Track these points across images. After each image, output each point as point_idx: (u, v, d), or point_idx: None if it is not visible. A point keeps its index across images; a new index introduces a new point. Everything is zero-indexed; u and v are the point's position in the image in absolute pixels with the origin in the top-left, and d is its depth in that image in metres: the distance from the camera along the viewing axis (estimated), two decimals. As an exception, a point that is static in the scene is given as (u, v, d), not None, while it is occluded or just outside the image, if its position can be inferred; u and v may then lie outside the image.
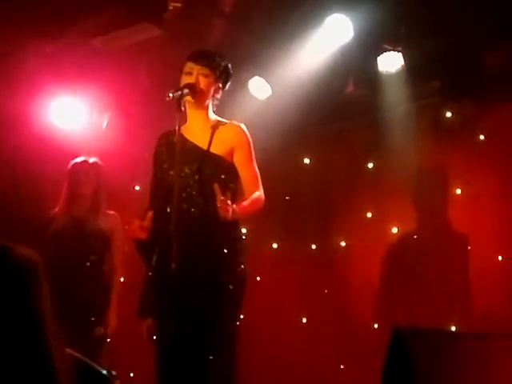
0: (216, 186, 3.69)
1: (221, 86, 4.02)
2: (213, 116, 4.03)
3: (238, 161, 3.94)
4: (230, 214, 3.68)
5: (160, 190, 3.94)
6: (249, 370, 5.78)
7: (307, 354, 6.40)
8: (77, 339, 4.85)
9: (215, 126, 3.96)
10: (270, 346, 6.51)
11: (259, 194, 3.94)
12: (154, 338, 4.02)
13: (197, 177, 3.84)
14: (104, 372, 2.16)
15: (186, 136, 3.95)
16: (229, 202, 3.68)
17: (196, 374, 3.72)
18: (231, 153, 3.94)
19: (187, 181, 3.84)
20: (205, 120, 3.98)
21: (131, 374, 6.52)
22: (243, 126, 4.00)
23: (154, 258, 3.87)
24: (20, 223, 5.79)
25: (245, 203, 3.87)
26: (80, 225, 5.20)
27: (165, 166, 3.95)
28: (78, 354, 2.08)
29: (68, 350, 1.96)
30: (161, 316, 3.88)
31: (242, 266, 3.89)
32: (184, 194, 3.81)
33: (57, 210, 5.26)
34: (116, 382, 2.15)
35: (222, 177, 3.88)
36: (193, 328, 3.74)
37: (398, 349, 2.55)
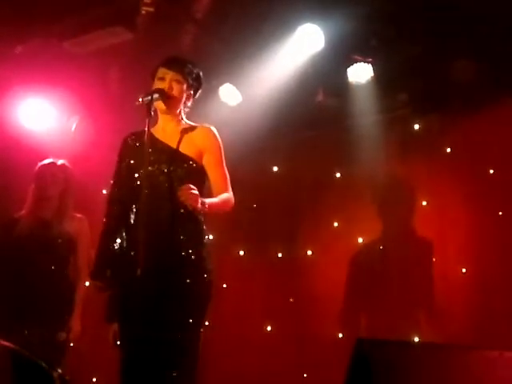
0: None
1: (192, 93, 4.02)
2: (184, 121, 4.03)
3: (208, 163, 3.93)
4: (199, 204, 3.67)
5: (125, 189, 3.91)
6: (212, 376, 5.79)
7: (271, 362, 6.41)
8: (40, 343, 4.88)
9: (185, 129, 3.96)
10: (234, 352, 6.51)
11: (229, 195, 3.93)
12: (118, 343, 3.99)
13: (166, 177, 3.83)
14: (43, 365, 2.13)
15: (157, 136, 3.94)
16: (195, 192, 3.67)
17: (159, 379, 3.71)
18: (201, 155, 3.92)
19: (156, 180, 3.83)
20: (176, 125, 3.98)
21: (94, 379, 6.49)
22: (213, 129, 3.99)
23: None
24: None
25: (214, 199, 3.85)
26: (45, 227, 5.13)
27: (132, 164, 3.92)
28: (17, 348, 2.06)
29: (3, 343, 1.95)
30: (125, 321, 3.86)
31: (209, 273, 3.88)
32: (152, 195, 3.79)
33: (23, 211, 5.21)
34: (54, 374, 2.13)
35: (191, 177, 3.86)
36: (157, 334, 3.72)
37: (360, 360, 2.57)
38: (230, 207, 3.94)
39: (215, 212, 3.87)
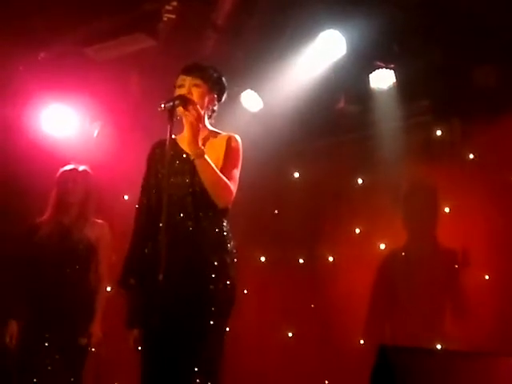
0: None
1: (216, 96, 4.00)
2: (209, 127, 4.01)
3: (222, 163, 3.84)
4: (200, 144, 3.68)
5: (153, 199, 3.91)
6: (233, 382, 5.77)
7: (292, 368, 6.39)
8: (61, 348, 4.90)
9: (208, 137, 3.95)
10: (255, 359, 6.50)
11: (230, 183, 3.78)
12: (140, 348, 3.99)
13: (190, 188, 3.83)
14: None
15: (182, 146, 3.93)
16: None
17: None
18: (220, 161, 3.91)
19: (181, 191, 3.83)
20: (200, 132, 3.94)
21: (115, 384, 6.50)
22: (237, 137, 3.96)
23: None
24: (7, 229, 5.79)
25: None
26: (66, 232, 5.16)
27: (159, 175, 3.92)
28: None
29: None
30: (147, 327, 3.86)
31: (232, 280, 3.87)
32: (177, 205, 3.80)
33: (44, 217, 5.23)
34: None
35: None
36: (179, 340, 3.72)
37: (383, 366, 2.55)
38: (225, 195, 3.80)
39: (209, 176, 3.74)
